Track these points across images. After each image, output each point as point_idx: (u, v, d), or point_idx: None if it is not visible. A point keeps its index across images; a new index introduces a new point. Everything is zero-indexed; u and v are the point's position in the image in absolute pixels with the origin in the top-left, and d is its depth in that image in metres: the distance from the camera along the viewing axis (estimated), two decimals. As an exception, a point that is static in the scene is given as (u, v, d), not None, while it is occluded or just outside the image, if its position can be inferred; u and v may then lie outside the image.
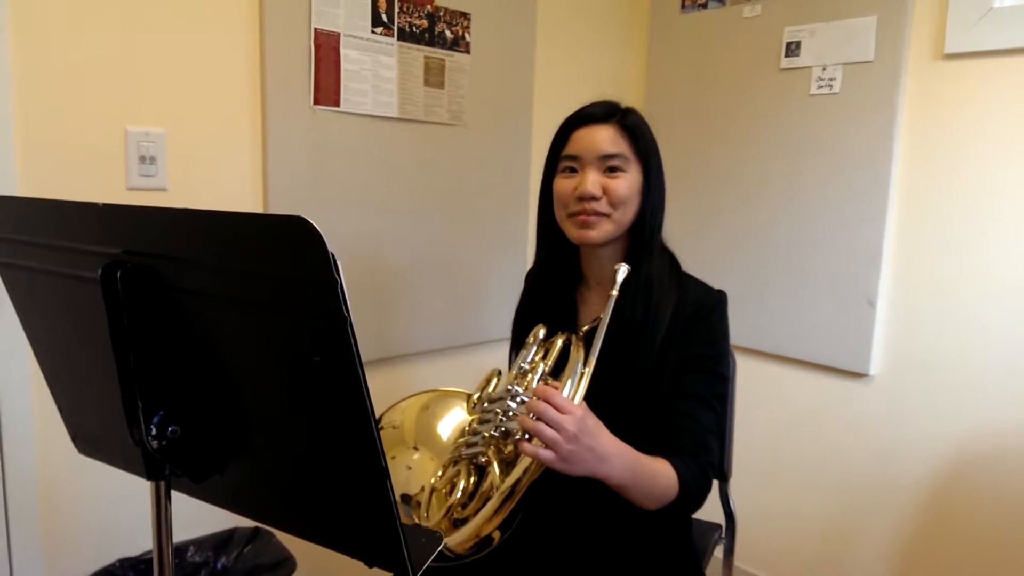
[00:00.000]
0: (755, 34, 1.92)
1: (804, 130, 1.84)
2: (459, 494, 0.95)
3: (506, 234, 1.95)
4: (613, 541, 1.10)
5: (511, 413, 0.95)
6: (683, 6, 2.08)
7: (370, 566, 0.66)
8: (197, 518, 1.43)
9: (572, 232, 1.07)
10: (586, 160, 1.05)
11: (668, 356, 1.05)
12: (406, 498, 1.01)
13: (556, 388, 0.91)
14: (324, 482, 0.65)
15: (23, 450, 1.29)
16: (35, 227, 0.72)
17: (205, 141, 1.43)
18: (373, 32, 1.61)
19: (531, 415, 0.87)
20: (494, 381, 1.07)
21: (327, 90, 1.55)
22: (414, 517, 0.98)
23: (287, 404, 0.64)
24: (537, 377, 1.01)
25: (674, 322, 1.06)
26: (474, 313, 1.90)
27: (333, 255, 0.52)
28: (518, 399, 0.96)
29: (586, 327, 1.08)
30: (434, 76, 1.73)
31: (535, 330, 1.10)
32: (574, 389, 0.93)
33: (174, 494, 0.75)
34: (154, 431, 0.67)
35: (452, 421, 1.07)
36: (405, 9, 1.65)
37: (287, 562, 1.44)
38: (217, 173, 1.45)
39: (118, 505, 1.40)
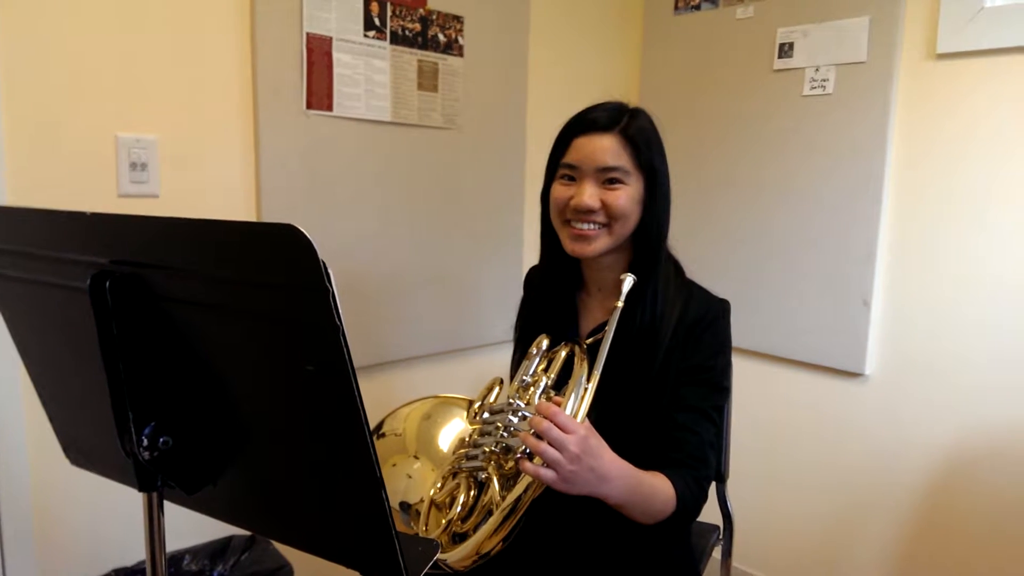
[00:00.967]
0: (748, 35, 1.93)
1: (797, 131, 1.84)
2: (459, 508, 0.94)
3: (501, 238, 1.94)
4: (611, 544, 1.10)
5: (512, 428, 0.94)
6: (676, 8, 2.09)
7: (366, 576, 0.66)
8: (193, 526, 1.42)
9: (566, 243, 1.05)
10: (584, 171, 1.02)
11: (671, 365, 1.04)
12: (405, 506, 1.00)
13: (559, 404, 0.89)
14: (318, 492, 0.65)
15: (16, 459, 1.28)
16: (22, 236, 0.71)
17: (197, 147, 1.42)
18: (366, 36, 1.60)
19: (533, 432, 0.86)
20: (496, 391, 1.05)
21: (320, 94, 1.54)
22: (412, 526, 0.98)
23: (280, 414, 0.64)
24: (539, 391, 0.99)
25: (677, 330, 1.05)
26: (469, 317, 1.89)
27: (324, 263, 0.52)
28: (520, 414, 0.95)
29: (590, 340, 1.07)
30: (427, 80, 1.73)
31: (538, 340, 1.08)
32: (577, 405, 0.91)
33: (168, 504, 0.74)
34: (146, 442, 0.66)
35: (453, 430, 1.06)
36: (398, 13, 1.64)
37: (284, 570, 1.43)
38: (209, 179, 1.44)
39: (113, 514, 1.39)
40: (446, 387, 1.74)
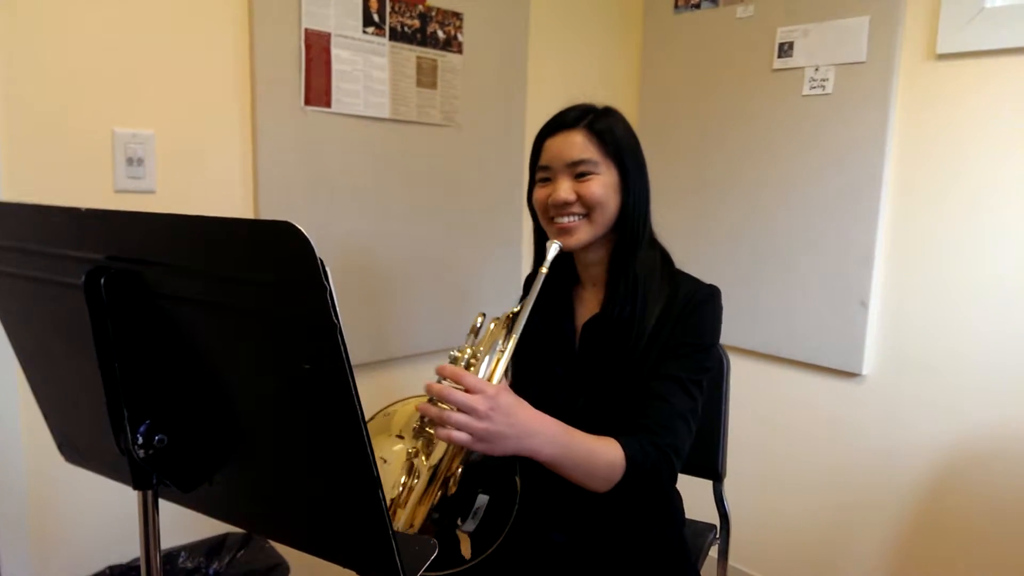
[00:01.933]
0: (748, 34, 1.92)
1: (797, 130, 1.84)
2: (399, 488, 0.95)
3: (499, 235, 1.94)
4: (607, 544, 1.10)
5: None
6: (676, 6, 2.08)
7: (363, 575, 0.65)
8: (189, 524, 1.42)
9: (554, 239, 1.09)
10: (556, 169, 1.07)
11: (654, 348, 1.05)
12: None
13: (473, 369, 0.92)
14: (314, 491, 0.64)
15: (12, 456, 1.27)
16: (17, 232, 0.70)
17: (194, 143, 1.41)
18: (364, 32, 1.59)
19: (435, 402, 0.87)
20: (481, 325, 1.06)
21: (318, 91, 1.54)
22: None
23: (276, 412, 0.63)
24: (463, 363, 0.99)
25: (664, 318, 1.05)
26: (467, 314, 1.88)
27: (322, 261, 0.51)
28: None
29: (515, 309, 1.08)
30: (426, 76, 1.72)
31: (475, 319, 1.09)
32: (491, 368, 0.94)
33: (163, 501, 0.74)
34: (141, 440, 0.66)
35: None
36: (397, 9, 1.64)
37: (280, 567, 1.42)
38: (206, 175, 1.44)
39: (108, 511, 1.38)
40: (443, 385, 1.74)
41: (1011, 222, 1.55)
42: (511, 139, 1.92)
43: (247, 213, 1.50)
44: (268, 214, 1.49)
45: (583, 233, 1.06)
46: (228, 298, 0.59)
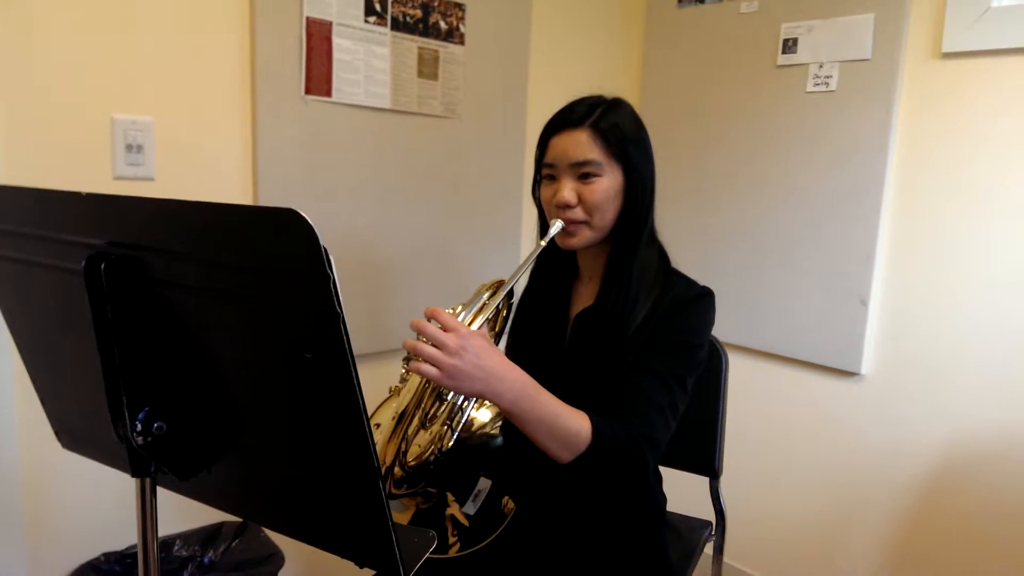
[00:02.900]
0: (752, 30, 1.91)
1: (800, 128, 1.84)
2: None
3: (500, 226, 1.93)
4: (586, 545, 1.11)
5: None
6: (679, 1, 2.07)
7: (361, 567, 0.65)
8: (184, 512, 1.41)
9: (556, 238, 1.09)
10: (560, 168, 1.07)
11: (639, 341, 1.05)
12: None
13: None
14: (314, 481, 0.64)
15: (7, 441, 1.26)
16: (16, 217, 0.70)
17: (194, 130, 1.40)
18: (366, 21, 1.58)
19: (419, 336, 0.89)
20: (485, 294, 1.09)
21: (319, 80, 1.53)
22: None
23: (277, 401, 0.63)
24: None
25: (652, 314, 1.05)
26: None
27: (326, 249, 0.51)
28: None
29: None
30: (428, 67, 1.71)
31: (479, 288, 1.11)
32: (471, 316, 0.98)
33: (159, 489, 0.73)
34: (139, 427, 0.65)
35: None
36: (399, -1, 1.63)
37: (275, 557, 1.42)
38: (206, 163, 1.43)
39: (103, 498, 1.38)
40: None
41: (1013, 222, 1.55)
42: (512, 131, 1.92)
43: (246, 201, 1.49)
44: (267, 202, 1.49)
45: (583, 236, 1.07)
46: (230, 285, 0.59)
